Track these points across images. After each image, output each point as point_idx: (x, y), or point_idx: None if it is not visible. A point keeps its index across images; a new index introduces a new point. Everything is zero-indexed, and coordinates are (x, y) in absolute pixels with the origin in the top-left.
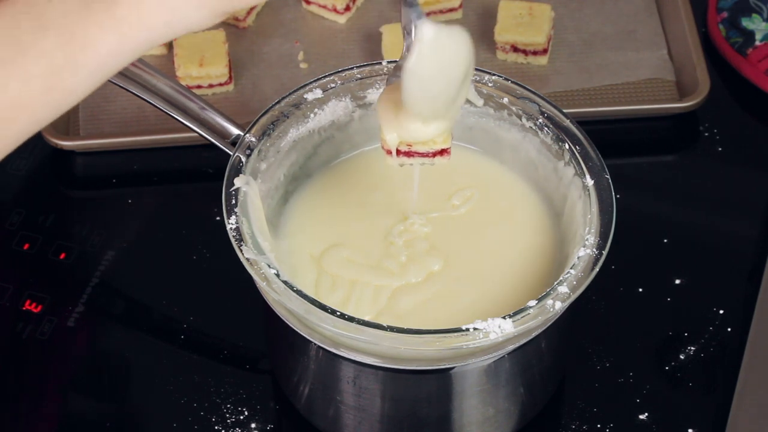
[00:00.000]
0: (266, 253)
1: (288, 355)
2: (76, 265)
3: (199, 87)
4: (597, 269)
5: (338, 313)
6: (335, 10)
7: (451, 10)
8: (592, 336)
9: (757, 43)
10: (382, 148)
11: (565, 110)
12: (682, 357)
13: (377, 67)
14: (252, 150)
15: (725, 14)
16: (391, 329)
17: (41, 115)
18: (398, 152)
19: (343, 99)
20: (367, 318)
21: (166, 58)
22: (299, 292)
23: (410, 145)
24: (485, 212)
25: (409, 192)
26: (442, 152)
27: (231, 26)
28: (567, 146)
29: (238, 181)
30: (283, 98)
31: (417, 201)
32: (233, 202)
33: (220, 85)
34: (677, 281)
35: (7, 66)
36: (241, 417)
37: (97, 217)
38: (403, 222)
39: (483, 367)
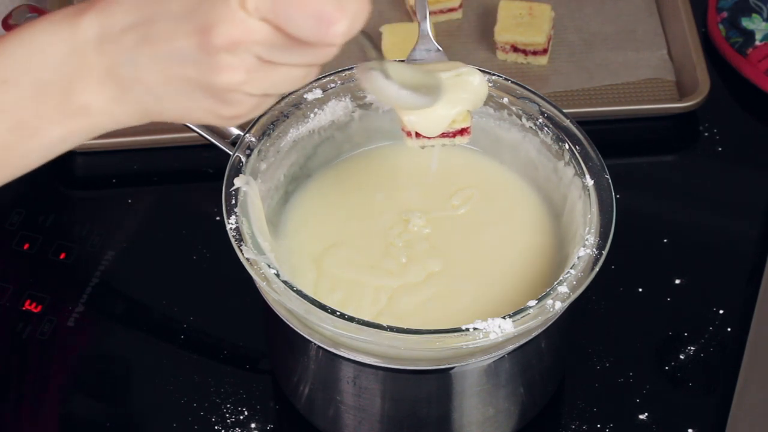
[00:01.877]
0: (266, 253)
1: (288, 355)
2: (76, 265)
3: None
4: (597, 269)
5: (338, 313)
6: None
7: (451, 10)
8: (592, 336)
9: (757, 43)
10: (402, 130)
11: (565, 110)
12: (682, 357)
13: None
14: (252, 150)
15: (725, 14)
16: (391, 329)
17: None
18: (417, 134)
19: (343, 99)
20: (367, 318)
21: None
22: (299, 292)
23: None
24: (485, 212)
25: (409, 192)
26: (462, 132)
27: None
28: (567, 146)
29: (238, 181)
30: (283, 98)
31: (417, 201)
32: (233, 202)
33: None
34: (677, 281)
35: None
36: (241, 417)
37: (97, 217)
38: (403, 222)
39: (483, 367)
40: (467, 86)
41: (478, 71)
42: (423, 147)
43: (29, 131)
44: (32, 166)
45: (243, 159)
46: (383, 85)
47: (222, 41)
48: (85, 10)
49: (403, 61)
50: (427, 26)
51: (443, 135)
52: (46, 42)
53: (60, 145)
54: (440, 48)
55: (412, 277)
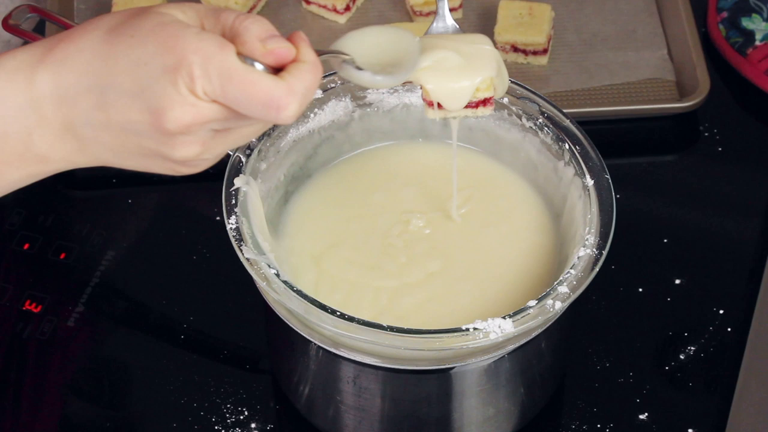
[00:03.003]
0: (266, 253)
1: (288, 355)
2: (76, 265)
3: None
4: (597, 269)
5: (338, 313)
6: (335, 10)
7: (451, 10)
8: (592, 336)
9: (757, 43)
10: (423, 100)
11: (565, 110)
12: (682, 357)
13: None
14: (252, 150)
15: (725, 14)
16: (391, 329)
17: None
18: (440, 104)
19: (343, 99)
20: (367, 318)
21: None
22: (299, 292)
23: None
24: (485, 212)
25: (409, 192)
26: (485, 102)
27: None
28: (567, 146)
29: (238, 181)
30: None
31: (417, 201)
32: (233, 202)
33: None
34: (677, 281)
35: None
36: (241, 417)
37: (97, 217)
38: (403, 223)
39: (483, 367)
40: (485, 53)
41: (487, 38)
42: (444, 118)
43: None
44: None
45: (243, 159)
46: (357, 75)
47: (174, 126)
48: (38, 65)
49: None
50: (445, 4)
51: (467, 106)
52: (3, 93)
53: (19, 184)
54: (458, 26)
55: (412, 277)
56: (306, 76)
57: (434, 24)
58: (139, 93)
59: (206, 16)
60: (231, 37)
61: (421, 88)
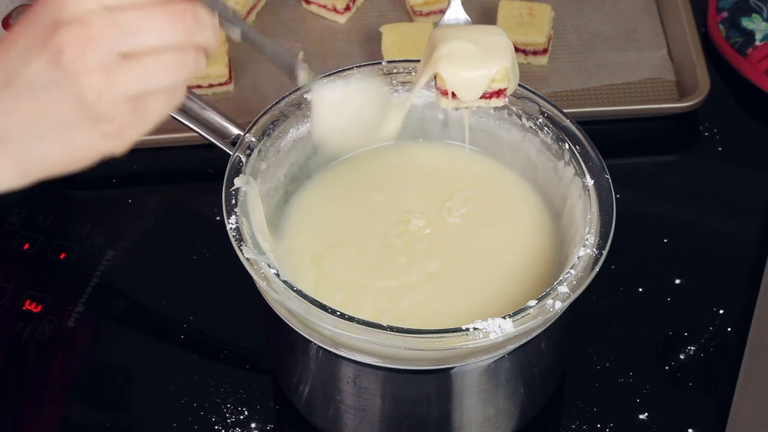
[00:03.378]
0: (266, 253)
1: (288, 355)
2: (76, 265)
3: (199, 87)
4: (597, 269)
5: (338, 313)
6: (335, 10)
7: None
8: (592, 336)
9: (757, 43)
10: (437, 89)
11: (565, 110)
12: (682, 357)
13: (377, 67)
14: (252, 150)
15: (725, 14)
16: (391, 329)
17: None
18: (454, 94)
19: None
20: (367, 318)
21: None
22: (299, 292)
23: None
24: (485, 212)
25: (409, 192)
26: (499, 93)
27: None
28: (567, 146)
29: (238, 181)
30: (283, 98)
31: (417, 201)
32: (233, 202)
33: (220, 85)
34: (677, 281)
35: None
36: (241, 417)
37: (97, 217)
38: (403, 223)
39: (483, 367)
40: (501, 44)
41: (502, 30)
42: (457, 108)
43: None
44: None
45: (243, 159)
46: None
47: (66, 45)
48: None
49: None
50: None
51: (481, 96)
52: None
53: None
54: (470, 19)
55: (412, 277)
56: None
57: (446, 16)
58: (33, 40)
59: None
60: None
61: (435, 77)
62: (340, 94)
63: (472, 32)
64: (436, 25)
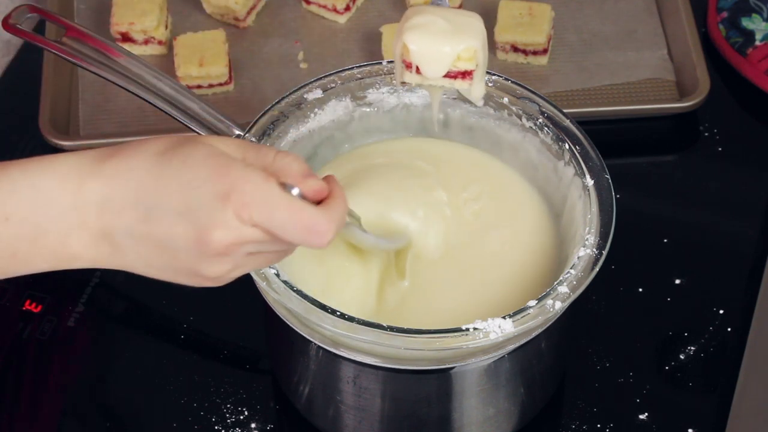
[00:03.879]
0: None
1: (288, 355)
2: None
3: (199, 87)
4: (597, 269)
5: (338, 313)
6: (335, 10)
7: None
8: (592, 336)
9: (757, 43)
10: (402, 62)
11: (565, 110)
12: (682, 357)
13: (377, 67)
14: None
15: (725, 14)
16: (391, 329)
17: None
18: (418, 69)
19: (343, 99)
20: (367, 318)
21: (166, 58)
22: (299, 292)
23: None
24: (486, 212)
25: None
26: (465, 74)
27: (231, 26)
28: (567, 146)
29: None
30: (283, 98)
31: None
32: None
33: (220, 85)
34: (677, 281)
35: None
36: (241, 417)
37: None
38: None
39: (483, 367)
40: (473, 25)
41: (478, 16)
42: (421, 85)
43: (21, 262)
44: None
45: None
46: (361, 237)
47: (217, 246)
48: (89, 175)
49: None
50: None
51: (445, 75)
52: (51, 191)
53: (41, 271)
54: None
55: (412, 276)
56: (340, 208)
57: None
58: (186, 212)
59: (247, 150)
60: (272, 171)
61: (401, 50)
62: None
63: (447, 12)
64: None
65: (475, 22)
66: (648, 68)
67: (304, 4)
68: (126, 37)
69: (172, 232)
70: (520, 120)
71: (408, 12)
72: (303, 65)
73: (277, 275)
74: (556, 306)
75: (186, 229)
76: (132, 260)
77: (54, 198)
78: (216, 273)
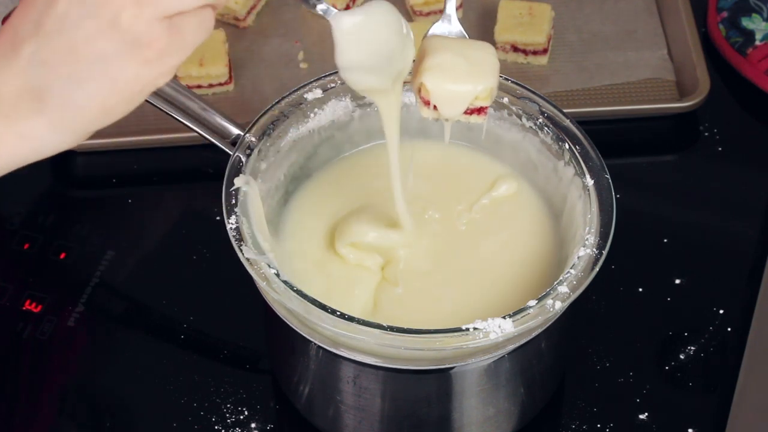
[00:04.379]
0: (266, 253)
1: (288, 355)
2: (76, 265)
3: (199, 87)
4: (597, 269)
5: (338, 313)
6: None
7: None
8: (592, 336)
9: (757, 43)
10: (421, 98)
11: (565, 110)
12: (682, 357)
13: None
14: (252, 150)
15: (725, 14)
16: (391, 329)
17: None
18: (435, 106)
19: (343, 99)
20: (367, 318)
21: None
22: (299, 292)
23: None
24: (486, 212)
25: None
26: (480, 110)
27: (231, 26)
28: (567, 146)
29: (238, 181)
30: (283, 98)
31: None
32: (233, 202)
33: (220, 85)
34: (677, 281)
35: None
36: (241, 417)
37: (97, 217)
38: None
39: (483, 367)
40: (489, 63)
41: (491, 47)
42: (437, 119)
43: None
44: None
45: (243, 159)
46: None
47: (130, 27)
48: None
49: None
50: (453, 5)
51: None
52: None
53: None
54: (463, 30)
55: (413, 276)
56: None
57: (439, 22)
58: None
59: None
60: None
61: (419, 86)
62: (361, 22)
63: (464, 46)
64: (428, 30)
65: (491, 59)
66: (648, 68)
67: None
68: None
69: (56, 9)
70: (520, 120)
71: (427, 44)
72: (303, 65)
73: (277, 275)
74: (556, 306)
75: (92, 23)
76: (62, 90)
77: None
78: (126, 13)
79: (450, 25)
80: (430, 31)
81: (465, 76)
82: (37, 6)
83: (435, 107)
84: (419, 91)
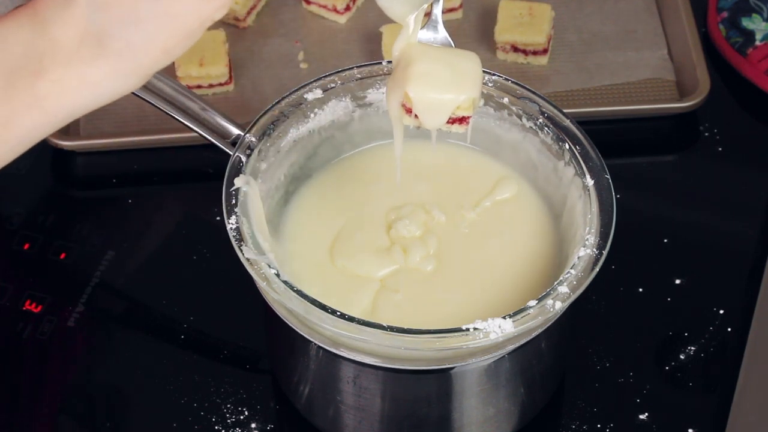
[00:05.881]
0: (266, 253)
1: (288, 355)
2: (76, 265)
3: (199, 87)
4: (597, 269)
5: (338, 313)
6: (335, 10)
7: (451, 10)
8: (592, 336)
9: (757, 43)
10: (403, 106)
11: (565, 110)
12: (682, 357)
13: (377, 67)
14: (252, 150)
15: (725, 14)
16: (391, 329)
17: None
18: (417, 114)
19: (343, 99)
20: (367, 318)
21: None
22: (299, 292)
23: None
24: (486, 212)
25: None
26: (462, 120)
27: (231, 26)
28: (567, 146)
29: (238, 181)
30: (283, 98)
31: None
32: (233, 202)
33: (220, 85)
34: (677, 281)
35: None
36: (241, 417)
37: (97, 217)
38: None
39: (483, 367)
40: (473, 73)
41: (476, 56)
42: (419, 127)
43: (4, 121)
44: (8, 158)
45: (243, 159)
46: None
47: None
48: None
49: None
50: (440, 11)
51: None
52: (8, 33)
53: (36, 132)
54: (449, 38)
55: (413, 276)
56: None
57: (425, 29)
58: None
59: None
60: None
61: (402, 95)
62: None
63: (448, 55)
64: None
65: (475, 68)
66: (648, 68)
67: (304, 4)
68: None
69: None
70: (520, 120)
71: (411, 51)
72: (303, 65)
73: (277, 275)
74: (556, 306)
75: None
76: (121, 33)
77: (12, 36)
78: None
79: (436, 32)
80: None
81: (447, 85)
82: None
83: (416, 116)
84: (402, 99)
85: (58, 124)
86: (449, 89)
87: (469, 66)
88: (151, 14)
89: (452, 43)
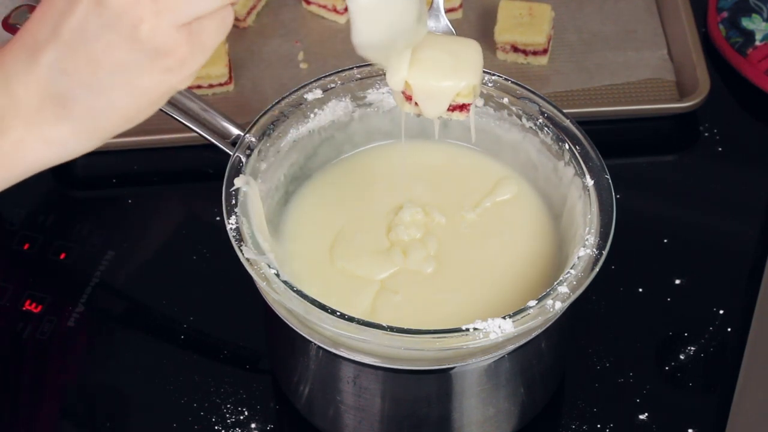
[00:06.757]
0: (266, 253)
1: (288, 355)
2: (76, 265)
3: (199, 87)
4: (597, 269)
5: (338, 313)
6: (335, 10)
7: (451, 10)
8: (592, 336)
9: (757, 43)
10: (403, 93)
11: (565, 110)
12: (682, 357)
13: (377, 67)
14: (252, 150)
15: (725, 14)
16: (391, 329)
17: None
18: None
19: (343, 99)
20: (367, 318)
21: None
22: (299, 292)
23: None
24: (486, 213)
25: (412, 191)
26: (462, 107)
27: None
28: (567, 146)
29: (238, 181)
30: (283, 98)
31: (418, 199)
32: (233, 202)
33: (220, 85)
34: (677, 281)
35: None
36: (241, 417)
37: (97, 217)
38: (404, 222)
39: (483, 367)
40: (474, 60)
41: (477, 44)
42: (419, 115)
43: None
44: None
45: (243, 159)
46: None
47: (150, 38)
48: (7, 51)
49: None
50: (441, 1)
51: None
52: None
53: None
54: (450, 26)
55: (413, 276)
56: None
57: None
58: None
59: None
60: None
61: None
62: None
63: (449, 43)
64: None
65: (475, 56)
66: (648, 68)
67: (304, 4)
68: None
69: (83, 22)
70: (520, 120)
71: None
72: (303, 65)
73: (277, 275)
74: (556, 306)
75: (88, 7)
76: (84, 100)
77: None
78: (145, 24)
79: (437, 20)
80: None
81: (447, 72)
82: (53, 13)
83: (416, 103)
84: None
85: (17, 179)
86: (448, 76)
87: (468, 53)
88: (114, 83)
89: (454, 30)
